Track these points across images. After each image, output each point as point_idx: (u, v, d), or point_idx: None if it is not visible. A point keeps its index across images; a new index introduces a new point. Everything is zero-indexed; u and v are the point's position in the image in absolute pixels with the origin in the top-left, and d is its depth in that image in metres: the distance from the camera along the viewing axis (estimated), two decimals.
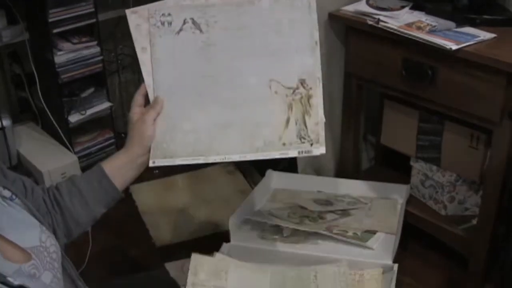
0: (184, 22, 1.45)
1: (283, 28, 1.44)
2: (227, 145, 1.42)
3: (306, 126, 1.40)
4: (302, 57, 1.42)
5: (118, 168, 1.39)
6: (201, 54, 1.45)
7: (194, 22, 1.45)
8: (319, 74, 1.41)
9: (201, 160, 1.41)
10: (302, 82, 1.41)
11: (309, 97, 1.40)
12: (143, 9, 1.46)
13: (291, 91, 1.41)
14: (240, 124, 1.43)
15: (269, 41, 1.44)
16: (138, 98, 1.44)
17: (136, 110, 1.43)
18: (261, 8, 1.44)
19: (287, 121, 1.40)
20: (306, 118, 1.40)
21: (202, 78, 1.45)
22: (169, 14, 1.45)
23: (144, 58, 1.46)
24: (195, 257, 1.67)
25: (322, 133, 1.39)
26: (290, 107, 1.41)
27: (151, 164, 1.40)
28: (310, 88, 1.41)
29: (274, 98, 1.42)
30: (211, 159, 1.42)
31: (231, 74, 1.45)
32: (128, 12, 1.46)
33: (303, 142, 1.39)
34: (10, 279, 1.00)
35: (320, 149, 1.39)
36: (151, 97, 1.45)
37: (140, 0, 1.53)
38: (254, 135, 1.41)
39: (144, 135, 1.39)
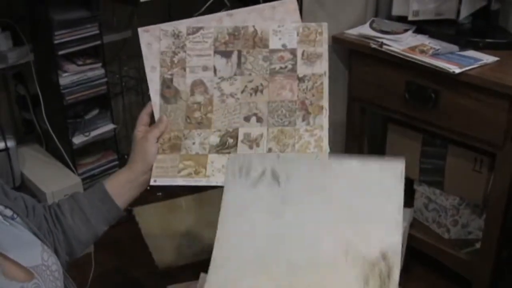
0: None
1: (368, 194, 1.31)
2: None
3: None
4: (386, 228, 1.28)
5: (121, 186, 1.40)
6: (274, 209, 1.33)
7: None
8: (402, 249, 1.28)
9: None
10: (384, 256, 1.26)
11: (389, 271, 1.25)
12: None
13: (370, 263, 1.27)
14: None
15: (352, 205, 1.31)
16: (144, 117, 1.45)
17: (140, 128, 1.43)
18: (347, 169, 1.34)
19: None
20: None
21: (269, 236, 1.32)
22: None
23: (152, 77, 1.45)
24: (204, 277, 1.66)
25: None
26: (366, 281, 1.26)
27: (152, 183, 1.39)
28: (393, 263, 1.25)
29: (349, 268, 1.27)
30: None
31: (303, 233, 1.31)
32: (140, 30, 1.46)
33: None
34: None
35: None
36: (156, 116, 1.45)
37: (145, 21, 1.54)
38: None
39: (147, 153, 1.40)
